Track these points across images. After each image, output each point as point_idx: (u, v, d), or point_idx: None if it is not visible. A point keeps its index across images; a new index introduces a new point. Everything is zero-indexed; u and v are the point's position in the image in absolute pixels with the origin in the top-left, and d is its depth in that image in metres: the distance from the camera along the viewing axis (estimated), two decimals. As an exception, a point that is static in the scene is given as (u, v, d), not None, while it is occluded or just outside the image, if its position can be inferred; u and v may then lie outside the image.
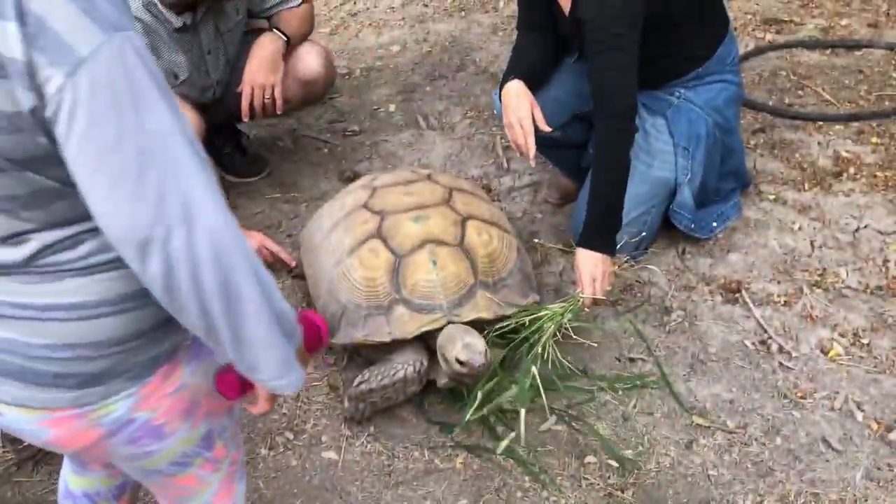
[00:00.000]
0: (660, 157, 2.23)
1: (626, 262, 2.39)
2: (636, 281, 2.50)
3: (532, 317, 2.13)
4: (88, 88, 0.94)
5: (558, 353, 2.07)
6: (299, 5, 2.68)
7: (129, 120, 0.96)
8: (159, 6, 2.42)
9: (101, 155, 0.95)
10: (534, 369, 2.03)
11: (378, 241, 2.18)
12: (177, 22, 2.46)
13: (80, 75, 0.93)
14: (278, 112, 2.70)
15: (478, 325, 2.11)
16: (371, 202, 2.31)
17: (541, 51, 2.48)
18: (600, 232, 2.20)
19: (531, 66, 2.43)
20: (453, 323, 2.08)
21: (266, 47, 2.61)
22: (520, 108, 2.31)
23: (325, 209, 2.47)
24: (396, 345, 2.12)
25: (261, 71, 2.59)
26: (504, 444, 2.01)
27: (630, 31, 2.16)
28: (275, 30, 2.65)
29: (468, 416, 2.04)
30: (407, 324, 2.09)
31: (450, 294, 2.11)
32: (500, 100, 2.40)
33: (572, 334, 2.15)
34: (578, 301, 2.15)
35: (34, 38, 0.93)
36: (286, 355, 1.12)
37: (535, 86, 2.39)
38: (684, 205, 2.49)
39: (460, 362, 1.98)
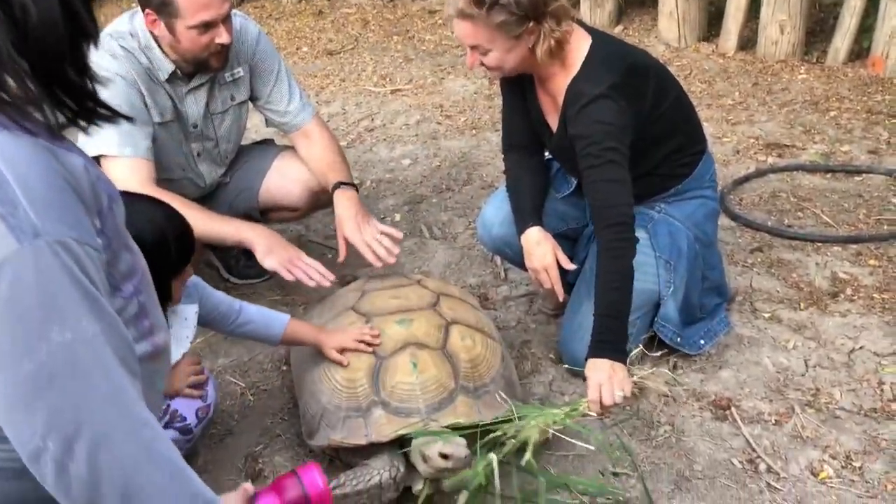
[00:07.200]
0: (642, 269, 2.27)
1: (650, 372, 2.24)
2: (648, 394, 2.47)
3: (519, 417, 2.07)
4: None
5: (531, 458, 1.99)
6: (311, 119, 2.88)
7: (31, 334, 0.93)
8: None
9: None
10: (493, 459, 1.93)
11: (361, 342, 2.20)
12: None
13: None
14: None
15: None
16: (359, 304, 2.35)
17: (536, 175, 2.62)
18: (609, 339, 2.18)
19: (536, 199, 2.56)
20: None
21: (351, 206, 2.71)
22: (545, 256, 2.47)
23: (315, 310, 2.51)
24: (374, 448, 2.10)
25: (360, 224, 2.69)
26: None
27: (622, 146, 2.26)
28: (341, 185, 2.76)
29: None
30: (384, 427, 2.08)
31: (429, 398, 2.11)
32: (483, 236, 2.73)
33: (556, 442, 2.10)
34: (580, 406, 2.08)
35: None
36: None
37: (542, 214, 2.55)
38: (669, 318, 2.50)
39: (444, 456, 1.92)
